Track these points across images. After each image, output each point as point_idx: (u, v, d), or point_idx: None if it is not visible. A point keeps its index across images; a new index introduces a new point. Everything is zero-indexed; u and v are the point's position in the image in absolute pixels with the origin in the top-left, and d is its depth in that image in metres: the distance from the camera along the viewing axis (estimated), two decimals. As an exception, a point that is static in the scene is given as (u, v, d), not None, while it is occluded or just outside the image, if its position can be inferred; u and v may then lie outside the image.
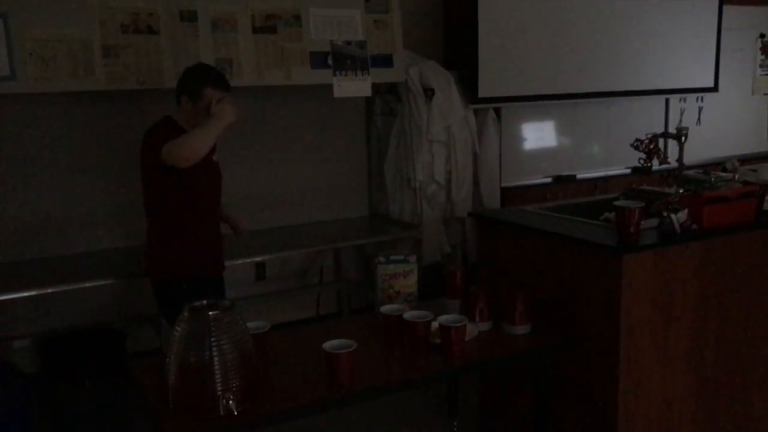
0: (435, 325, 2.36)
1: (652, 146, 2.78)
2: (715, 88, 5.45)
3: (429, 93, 4.17)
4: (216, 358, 1.94)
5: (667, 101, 5.37)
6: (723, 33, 5.42)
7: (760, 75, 5.93)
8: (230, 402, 1.92)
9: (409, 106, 4.18)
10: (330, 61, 3.66)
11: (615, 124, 5.07)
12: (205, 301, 2.04)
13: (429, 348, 2.33)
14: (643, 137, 2.82)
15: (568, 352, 2.55)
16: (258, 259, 3.68)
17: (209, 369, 1.93)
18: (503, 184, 4.62)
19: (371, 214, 4.50)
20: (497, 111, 4.58)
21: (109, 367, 3.35)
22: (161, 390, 2.01)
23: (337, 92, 3.68)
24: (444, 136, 4.24)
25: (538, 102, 4.72)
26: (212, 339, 1.95)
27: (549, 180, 4.92)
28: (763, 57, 5.92)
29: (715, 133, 5.53)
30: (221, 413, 1.92)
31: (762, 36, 5.87)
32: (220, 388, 1.93)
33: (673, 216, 2.44)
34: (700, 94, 5.46)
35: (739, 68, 5.77)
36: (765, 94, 5.97)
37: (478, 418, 3.20)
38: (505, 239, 2.86)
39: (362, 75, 3.74)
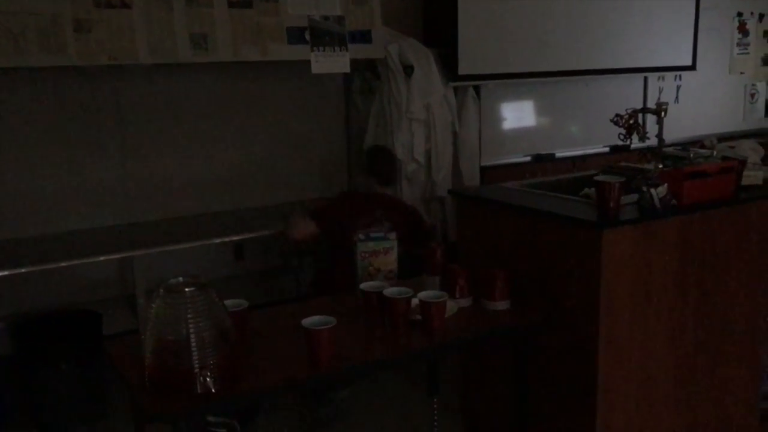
0: (415, 301, 2.34)
1: (632, 121, 2.78)
2: (692, 67, 5.46)
3: (408, 70, 4.13)
4: (192, 336, 1.90)
5: (645, 79, 5.37)
6: (701, 12, 5.43)
7: (738, 54, 5.96)
8: (207, 380, 1.89)
9: (388, 83, 4.13)
10: (307, 37, 3.60)
11: (594, 103, 5.06)
12: (180, 278, 2.00)
13: (409, 325, 2.31)
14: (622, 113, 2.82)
15: (547, 329, 2.54)
16: (235, 238, 3.62)
17: (186, 347, 1.89)
18: (483, 163, 4.61)
19: (351, 194, 4.47)
20: (476, 90, 4.56)
21: (85, 349, 3.31)
22: (138, 369, 1.97)
23: (315, 68, 3.63)
24: (424, 114, 4.21)
25: (517, 80, 4.70)
26: (189, 316, 1.91)
27: (528, 159, 4.92)
28: (740, 36, 5.94)
29: (693, 112, 5.56)
30: (198, 391, 1.89)
31: (739, 15, 5.89)
32: (197, 366, 1.89)
33: (652, 191, 2.43)
34: (678, 73, 5.47)
35: (717, 47, 5.79)
36: (741, 73, 6.00)
37: (458, 396, 3.20)
38: (484, 216, 2.84)
39: (340, 51, 3.69)
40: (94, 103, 3.64)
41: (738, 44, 5.94)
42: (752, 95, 6.11)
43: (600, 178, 2.47)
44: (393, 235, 2.71)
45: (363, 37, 3.81)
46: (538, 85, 4.88)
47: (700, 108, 5.70)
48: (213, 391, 1.90)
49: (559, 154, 5.01)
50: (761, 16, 6.01)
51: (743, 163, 2.75)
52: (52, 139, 3.58)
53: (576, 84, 5.01)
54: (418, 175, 4.28)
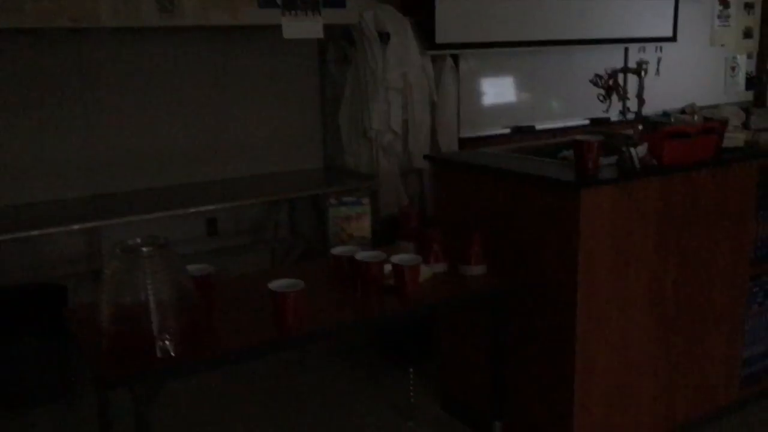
0: (388, 267, 2.26)
1: (611, 82, 2.71)
2: (673, 38, 5.40)
3: (384, 38, 4.02)
4: (151, 298, 1.81)
5: (626, 51, 5.29)
6: (682, -18, 5.37)
7: (718, 26, 5.89)
8: (167, 343, 1.80)
9: (363, 51, 4.02)
10: (278, 0, 3.47)
11: (574, 74, 4.97)
12: (138, 239, 1.91)
13: (382, 290, 2.23)
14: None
15: (525, 294, 2.47)
16: (210, 207, 3.50)
17: (144, 309, 1.80)
18: (461, 135, 4.51)
19: (326, 166, 4.36)
20: (455, 60, 4.46)
21: (49, 323, 3.20)
22: (98, 337, 1.87)
23: (287, 33, 3.51)
24: (400, 83, 4.10)
25: (497, 51, 4.60)
26: (147, 278, 1.82)
27: (507, 131, 4.82)
28: (721, 8, 5.88)
29: (674, 84, 5.49)
30: (158, 355, 1.80)
31: (721, -14, 5.82)
32: (156, 329, 1.80)
33: (632, 150, 2.35)
34: (659, 44, 5.40)
35: (698, 19, 5.72)
36: (722, 45, 5.94)
37: (434, 366, 3.14)
38: (461, 180, 2.76)
39: (313, 15, 3.57)
40: (57, 68, 3.49)
41: (719, 16, 5.88)
42: (733, 68, 6.06)
43: (578, 137, 2.39)
44: (366, 200, 2.62)
45: (336, 1, 3.69)
46: (517, 55, 4.78)
47: (681, 80, 5.63)
48: (173, 355, 1.81)
49: (539, 127, 4.92)
50: (743, -12, 5.95)
51: (725, 124, 2.68)
52: (11, 107, 3.43)
53: (557, 55, 4.92)
54: (395, 147, 4.18)
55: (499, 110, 4.84)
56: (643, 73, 2.70)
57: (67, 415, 3.09)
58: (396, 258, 2.25)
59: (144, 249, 1.84)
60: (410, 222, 2.61)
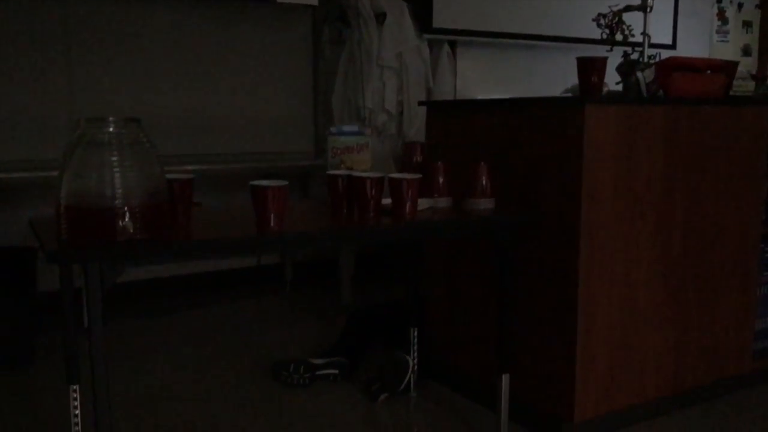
0: (387, 201, 2.07)
1: (615, 20, 2.60)
2: (673, 46, 5.35)
3: (380, 18, 3.95)
4: (116, 173, 1.64)
5: (625, 53, 5.22)
6: (680, -4, 5.37)
7: (717, 41, 5.87)
8: (129, 221, 1.62)
9: (359, 31, 3.95)
10: (272, -39, 3.41)
11: (572, 73, 4.88)
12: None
13: (379, 211, 2.04)
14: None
15: (530, 227, 2.29)
16: (190, 167, 3.33)
17: (107, 186, 1.63)
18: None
19: (318, 149, 4.23)
20: (453, 49, 4.39)
21: (13, 288, 3.01)
22: (57, 221, 1.69)
23: (281, -4, 3.42)
24: (396, 62, 4.02)
25: (495, 41, 4.54)
26: (112, 152, 1.65)
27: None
28: (719, 23, 5.87)
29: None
30: (118, 237, 1.62)
31: (719, 2, 5.82)
32: (119, 207, 1.62)
33: (639, 74, 2.23)
34: (658, 51, 5.34)
35: (698, 33, 5.69)
36: (722, 61, 5.90)
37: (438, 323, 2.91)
38: (460, 119, 2.60)
39: (308, -20, 3.50)
40: (41, 32, 3.39)
41: (717, 32, 5.86)
42: (732, 85, 6.01)
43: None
44: (369, 131, 2.46)
45: (332, -30, 3.62)
46: (516, 49, 4.71)
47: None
48: (137, 237, 1.63)
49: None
50: (740, 6, 5.95)
51: (735, 65, 2.56)
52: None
53: (556, 52, 4.85)
54: (389, 128, 4.07)
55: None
56: (649, 9, 2.60)
57: (27, 383, 2.85)
58: (394, 174, 2.07)
59: (111, 119, 1.68)
60: (414, 156, 2.43)
